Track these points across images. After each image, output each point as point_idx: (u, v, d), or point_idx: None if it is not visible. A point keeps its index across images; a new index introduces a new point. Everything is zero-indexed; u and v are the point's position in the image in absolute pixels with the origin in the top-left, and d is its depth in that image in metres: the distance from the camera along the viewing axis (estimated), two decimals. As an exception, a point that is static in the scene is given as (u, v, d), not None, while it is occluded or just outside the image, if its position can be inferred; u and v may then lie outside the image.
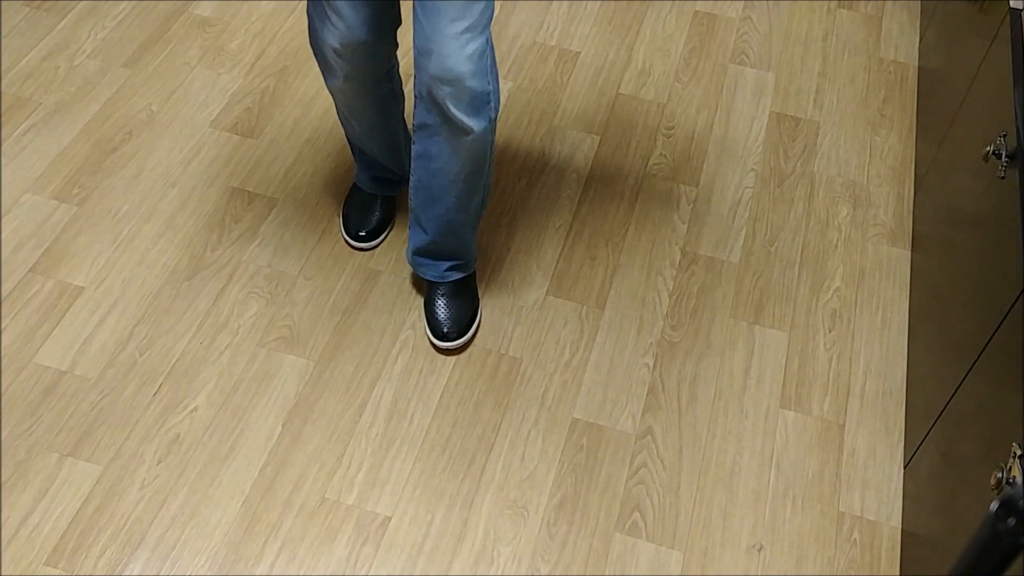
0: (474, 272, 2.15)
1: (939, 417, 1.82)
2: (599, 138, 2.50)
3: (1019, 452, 1.36)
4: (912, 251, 2.32)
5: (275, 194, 2.34)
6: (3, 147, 2.39)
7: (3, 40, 2.61)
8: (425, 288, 2.14)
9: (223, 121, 2.47)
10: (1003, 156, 1.70)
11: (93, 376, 2.03)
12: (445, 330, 2.07)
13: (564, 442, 1.99)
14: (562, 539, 1.87)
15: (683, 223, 2.35)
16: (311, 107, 2.52)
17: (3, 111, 2.46)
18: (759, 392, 2.08)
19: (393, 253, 2.25)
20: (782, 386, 2.10)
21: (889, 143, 2.54)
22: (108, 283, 2.17)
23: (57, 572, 1.79)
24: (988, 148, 1.75)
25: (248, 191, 2.34)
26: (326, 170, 2.39)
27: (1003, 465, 1.37)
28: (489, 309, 2.17)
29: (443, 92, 1.74)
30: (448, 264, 2.07)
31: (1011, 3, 1.85)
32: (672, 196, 2.40)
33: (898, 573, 1.86)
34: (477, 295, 2.15)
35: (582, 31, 2.75)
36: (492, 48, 1.79)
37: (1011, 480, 1.34)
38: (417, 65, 1.76)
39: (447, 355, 2.10)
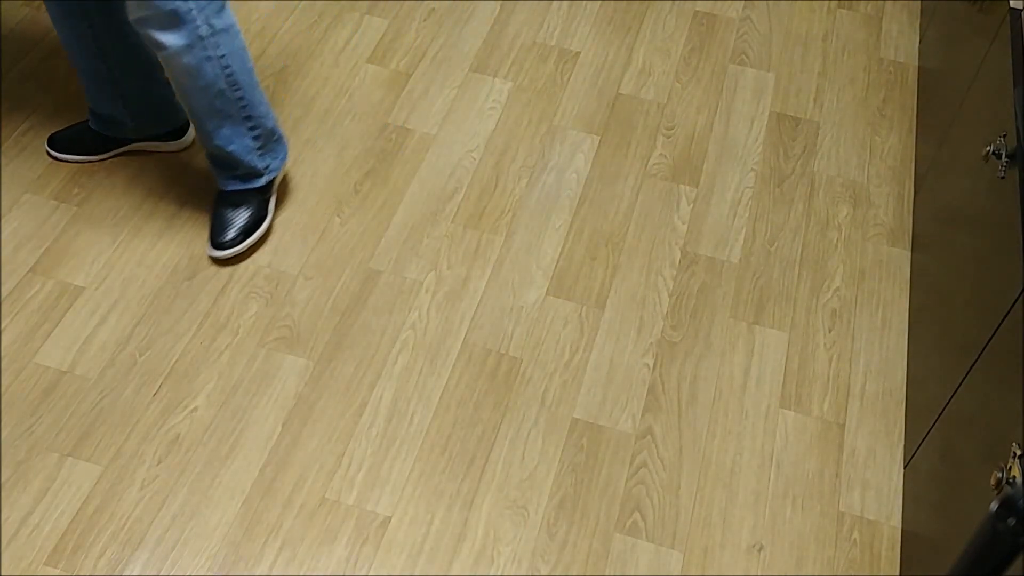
0: (263, 187, 2.23)
1: (939, 417, 1.81)
2: (599, 138, 2.50)
3: (1019, 452, 1.36)
4: (912, 251, 2.32)
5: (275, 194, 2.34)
6: (3, 147, 2.39)
7: (3, 40, 2.61)
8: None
9: (223, 121, 2.47)
10: (1003, 156, 1.70)
11: (93, 376, 2.03)
12: (219, 238, 2.18)
13: (564, 442, 1.99)
14: (562, 539, 1.87)
15: (683, 223, 2.35)
16: (311, 107, 2.52)
17: (3, 111, 2.46)
18: (759, 392, 2.08)
19: (393, 253, 2.25)
20: (782, 386, 2.10)
21: (889, 143, 2.54)
22: (108, 283, 2.17)
23: (57, 572, 1.79)
24: (988, 148, 1.75)
25: (248, 191, 2.34)
26: (326, 170, 2.39)
27: (1003, 465, 1.37)
28: (489, 309, 2.17)
29: (132, 11, 1.88)
30: (225, 174, 2.20)
31: (1011, 3, 1.85)
32: (672, 196, 2.40)
33: (898, 573, 1.86)
34: (264, 211, 2.24)
35: (582, 31, 2.75)
36: None
37: (1011, 480, 1.34)
38: None
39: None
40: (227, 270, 2.20)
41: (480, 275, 2.23)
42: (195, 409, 2.00)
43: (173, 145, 2.38)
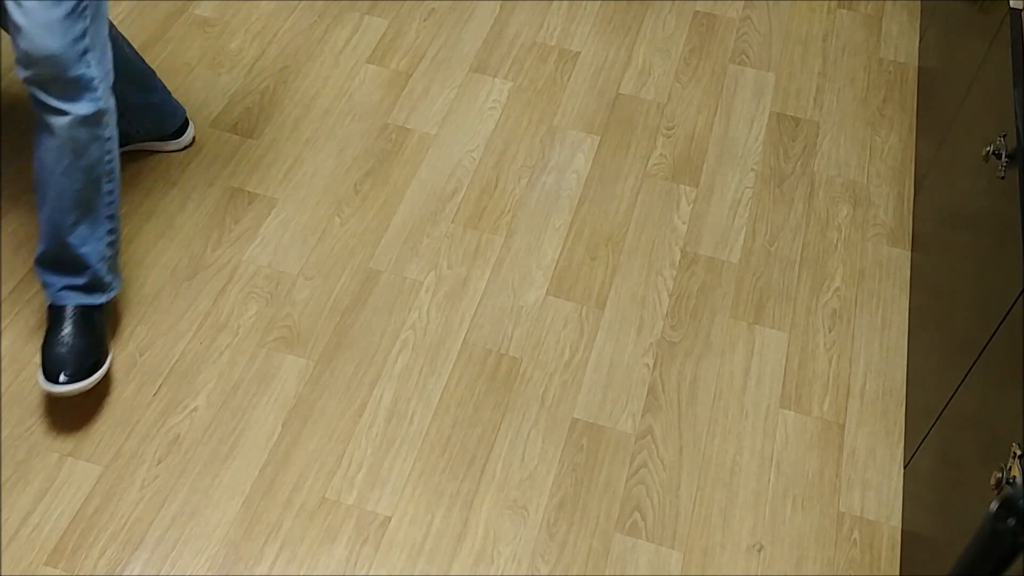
0: (101, 308, 1.97)
1: (939, 417, 1.81)
2: (599, 138, 2.50)
3: (1019, 452, 1.36)
4: (912, 251, 2.32)
5: (275, 194, 2.34)
6: (3, 147, 2.39)
7: (3, 40, 2.61)
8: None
9: (223, 121, 2.47)
10: (1003, 156, 1.70)
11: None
12: (55, 375, 1.86)
13: (564, 442, 1.99)
14: (562, 539, 1.87)
15: (683, 223, 2.35)
16: (311, 107, 2.52)
17: (3, 111, 2.46)
18: (759, 392, 2.08)
19: (393, 253, 2.25)
20: (782, 386, 2.10)
21: (889, 143, 2.55)
22: (108, 283, 2.17)
23: (57, 572, 1.79)
24: (988, 148, 1.75)
25: (248, 191, 2.34)
26: (326, 170, 2.39)
27: (1003, 465, 1.37)
28: (489, 309, 2.17)
29: (33, 71, 1.72)
30: (65, 282, 1.93)
31: (1011, 3, 1.85)
32: (672, 196, 2.40)
33: (898, 573, 1.86)
34: (104, 345, 1.95)
35: (582, 31, 2.75)
36: (101, 33, 1.77)
37: (1011, 480, 1.34)
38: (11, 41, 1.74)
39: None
40: (227, 270, 2.20)
41: (480, 275, 2.23)
42: (195, 409, 2.00)
43: (173, 145, 2.38)
